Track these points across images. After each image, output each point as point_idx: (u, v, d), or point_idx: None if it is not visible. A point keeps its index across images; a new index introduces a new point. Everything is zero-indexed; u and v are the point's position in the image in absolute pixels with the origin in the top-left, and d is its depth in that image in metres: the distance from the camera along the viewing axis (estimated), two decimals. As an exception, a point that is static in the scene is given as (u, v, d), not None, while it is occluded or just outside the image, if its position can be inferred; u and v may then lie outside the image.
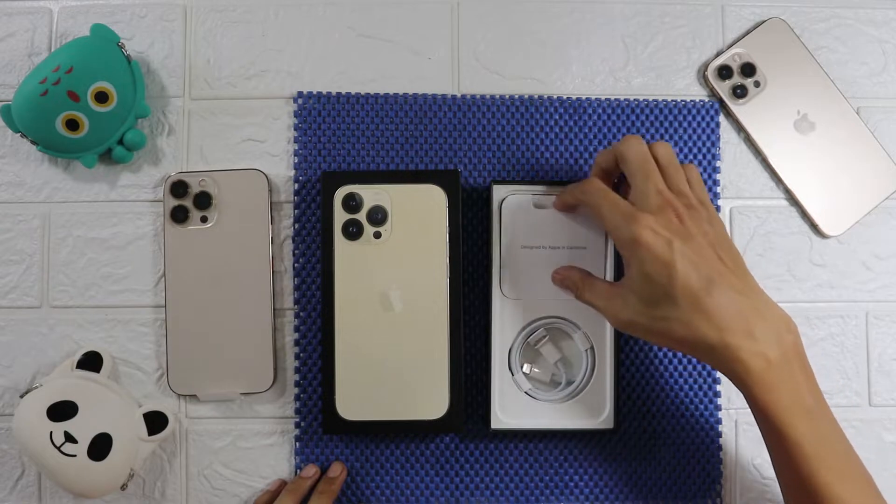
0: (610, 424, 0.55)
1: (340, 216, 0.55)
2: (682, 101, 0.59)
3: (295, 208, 0.58)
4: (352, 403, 0.54)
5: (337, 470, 0.56)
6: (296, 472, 0.57)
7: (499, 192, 0.55)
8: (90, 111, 0.54)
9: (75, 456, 0.52)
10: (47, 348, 0.57)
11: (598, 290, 0.50)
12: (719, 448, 0.57)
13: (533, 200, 0.54)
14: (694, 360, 0.57)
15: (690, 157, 0.59)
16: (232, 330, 0.56)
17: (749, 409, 0.46)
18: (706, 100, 0.59)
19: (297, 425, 0.57)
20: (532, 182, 0.57)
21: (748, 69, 0.59)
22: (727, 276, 0.45)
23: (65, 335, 0.57)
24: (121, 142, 0.56)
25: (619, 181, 0.53)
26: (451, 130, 0.58)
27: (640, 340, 0.57)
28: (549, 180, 0.58)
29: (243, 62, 0.59)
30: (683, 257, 0.44)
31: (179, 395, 0.57)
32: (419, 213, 0.54)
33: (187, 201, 0.56)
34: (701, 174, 0.59)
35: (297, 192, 0.58)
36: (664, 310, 0.45)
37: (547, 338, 0.55)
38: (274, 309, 0.57)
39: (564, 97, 0.59)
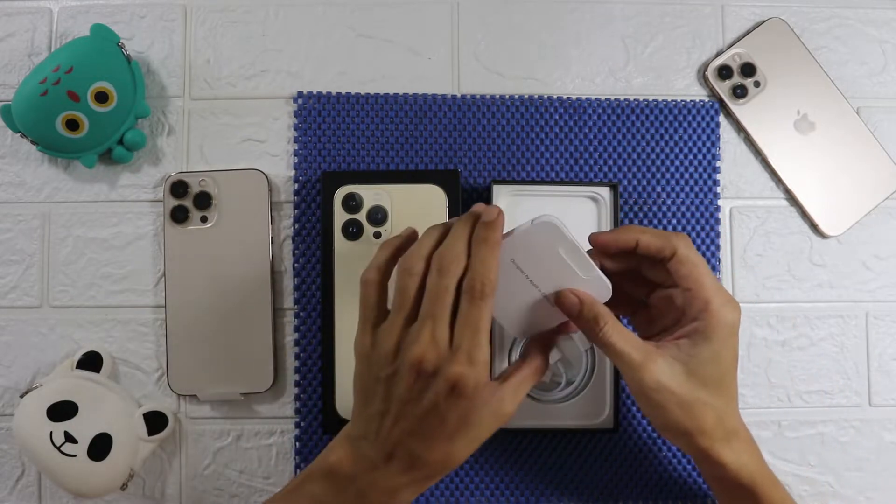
0: (610, 424, 0.55)
1: (340, 216, 0.55)
2: (682, 101, 0.59)
3: (295, 208, 0.58)
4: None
5: (493, 213, 0.42)
6: (295, 473, 0.57)
7: (499, 192, 0.55)
8: (90, 111, 0.54)
9: (75, 456, 0.52)
10: (47, 348, 0.57)
11: (632, 338, 0.44)
12: (719, 448, 0.57)
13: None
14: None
15: (690, 157, 0.59)
16: (232, 330, 0.56)
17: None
18: (706, 100, 0.59)
19: (297, 425, 0.57)
20: (532, 182, 0.57)
21: (748, 69, 0.59)
22: None
23: (65, 335, 0.57)
24: (121, 142, 0.56)
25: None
26: (451, 130, 0.58)
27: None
28: (549, 180, 0.58)
29: (243, 62, 0.59)
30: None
31: (179, 395, 0.57)
32: (419, 213, 0.54)
33: (187, 201, 0.56)
34: (701, 174, 0.59)
35: (297, 192, 0.58)
36: (707, 394, 0.44)
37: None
38: (274, 309, 0.57)
39: (564, 97, 0.59)
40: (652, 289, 0.48)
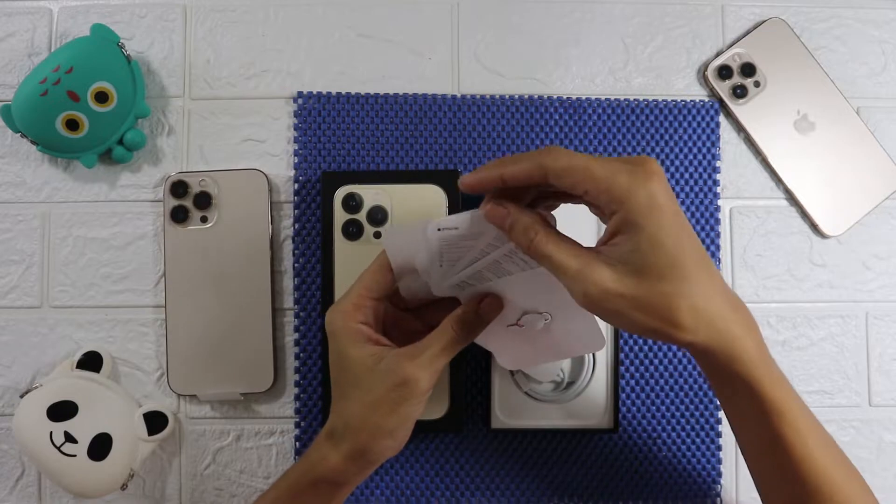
0: (610, 424, 0.55)
1: (340, 216, 0.55)
2: (682, 101, 0.59)
3: (295, 208, 0.58)
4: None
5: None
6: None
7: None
8: (90, 111, 0.54)
9: (75, 456, 0.52)
10: (47, 348, 0.57)
11: (569, 248, 0.39)
12: (719, 448, 0.57)
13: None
14: (693, 361, 0.57)
15: (690, 157, 0.59)
16: (232, 330, 0.56)
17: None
18: (706, 100, 0.59)
19: (297, 425, 0.57)
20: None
21: (748, 69, 0.59)
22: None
23: (65, 335, 0.57)
24: (121, 142, 0.56)
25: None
26: (451, 130, 0.58)
27: (640, 340, 0.57)
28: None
29: (243, 62, 0.59)
30: (689, 227, 0.40)
31: (179, 395, 0.57)
32: (419, 213, 0.54)
33: (187, 201, 0.56)
34: (701, 174, 0.59)
35: (297, 192, 0.58)
36: (667, 284, 0.38)
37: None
38: (274, 309, 0.57)
39: (564, 97, 0.59)
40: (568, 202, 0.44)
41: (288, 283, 0.57)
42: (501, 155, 0.58)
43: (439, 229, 0.43)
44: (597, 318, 0.43)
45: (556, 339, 0.47)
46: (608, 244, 0.39)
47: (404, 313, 0.49)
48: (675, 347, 0.57)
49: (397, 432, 0.44)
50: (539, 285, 0.44)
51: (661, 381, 0.57)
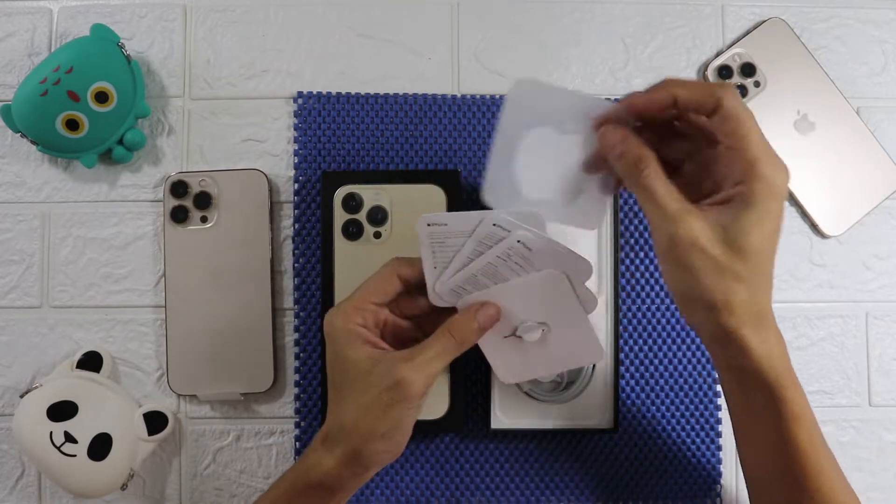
0: (610, 424, 0.55)
1: (340, 216, 0.55)
2: (682, 101, 0.59)
3: (295, 208, 0.58)
4: (352, 403, 0.54)
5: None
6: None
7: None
8: (90, 111, 0.54)
9: (75, 456, 0.52)
10: (47, 348, 0.57)
11: (673, 190, 0.40)
12: (719, 448, 0.57)
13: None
14: (694, 360, 0.57)
15: (690, 157, 0.59)
16: (232, 330, 0.56)
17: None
18: (706, 100, 0.59)
19: (297, 425, 0.57)
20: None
21: (748, 69, 0.59)
22: None
23: (65, 335, 0.57)
24: (121, 142, 0.56)
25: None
26: (451, 130, 0.58)
27: (640, 340, 0.57)
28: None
29: (243, 62, 0.59)
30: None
31: (179, 395, 0.57)
32: (419, 214, 0.54)
33: (187, 201, 0.56)
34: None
35: (297, 192, 0.58)
36: (743, 266, 0.39)
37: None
38: (274, 309, 0.57)
39: (564, 97, 0.59)
40: (689, 152, 0.43)
41: (288, 283, 0.57)
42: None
43: (429, 224, 0.44)
44: (595, 329, 0.44)
45: (553, 351, 0.47)
46: (711, 206, 0.40)
47: (405, 322, 0.48)
48: (675, 347, 0.57)
49: (391, 436, 0.44)
50: (536, 293, 0.45)
51: (661, 381, 0.57)
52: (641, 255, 0.58)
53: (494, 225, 0.43)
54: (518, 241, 0.43)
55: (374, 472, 0.46)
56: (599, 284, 0.55)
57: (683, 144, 0.43)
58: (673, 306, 0.58)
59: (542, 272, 0.44)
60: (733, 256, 0.38)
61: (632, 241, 0.58)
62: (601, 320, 0.55)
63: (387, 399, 0.43)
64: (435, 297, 0.46)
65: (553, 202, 0.45)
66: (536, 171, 0.45)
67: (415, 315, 0.48)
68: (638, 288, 0.58)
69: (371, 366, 0.43)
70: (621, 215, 0.57)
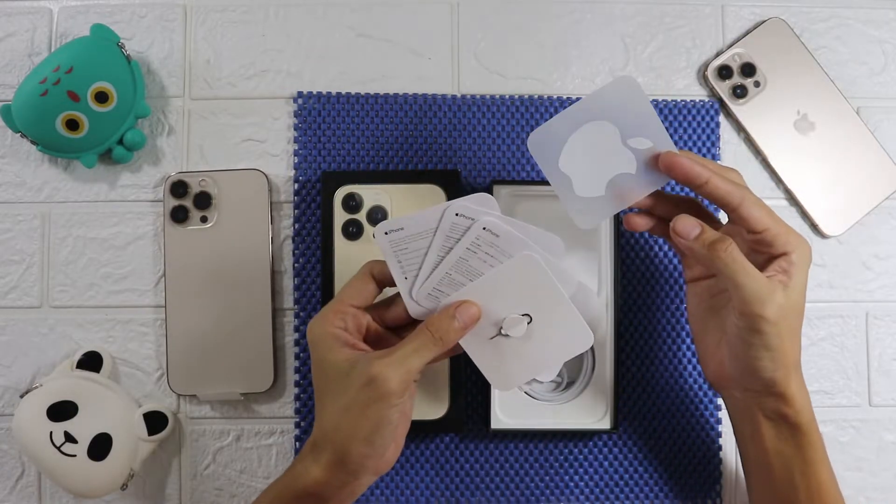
0: (610, 424, 0.55)
1: (340, 216, 0.55)
2: (682, 101, 0.59)
3: (295, 208, 0.58)
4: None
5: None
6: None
7: (499, 192, 0.55)
8: (90, 111, 0.54)
9: (75, 456, 0.52)
10: (47, 348, 0.57)
11: (749, 266, 0.44)
12: (719, 448, 0.57)
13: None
14: (694, 360, 0.57)
15: (690, 157, 0.59)
16: (232, 330, 0.56)
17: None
18: (706, 100, 0.59)
19: (297, 425, 0.57)
20: (532, 182, 0.57)
21: (748, 69, 0.59)
22: None
23: (65, 335, 0.57)
24: (121, 142, 0.56)
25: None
26: (451, 130, 0.58)
27: (640, 340, 0.57)
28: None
29: (243, 62, 0.59)
30: None
31: (179, 395, 0.57)
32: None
33: (187, 201, 0.56)
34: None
35: (297, 192, 0.58)
36: (797, 323, 0.45)
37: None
38: (274, 309, 0.57)
39: (564, 97, 0.59)
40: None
41: (288, 283, 0.57)
42: (501, 155, 0.58)
43: (386, 232, 0.43)
44: (580, 314, 0.44)
45: (542, 344, 0.46)
46: (771, 277, 0.44)
47: (388, 332, 0.47)
48: (675, 347, 0.57)
49: (373, 439, 0.42)
50: (513, 282, 0.44)
51: (661, 381, 0.57)
52: (642, 255, 0.58)
53: (457, 215, 0.43)
54: (484, 229, 0.43)
55: (365, 482, 0.45)
56: (600, 284, 0.55)
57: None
58: (673, 306, 0.58)
59: (514, 257, 0.43)
60: (797, 318, 0.45)
61: (632, 240, 0.58)
62: (601, 320, 0.55)
63: (363, 398, 0.42)
64: (413, 306, 0.45)
65: (572, 186, 0.47)
66: (581, 153, 0.46)
67: (399, 326, 0.47)
68: (639, 288, 0.58)
69: (349, 367, 0.43)
70: (621, 215, 0.57)
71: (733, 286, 0.44)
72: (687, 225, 0.45)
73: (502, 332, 0.45)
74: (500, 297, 0.45)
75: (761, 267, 0.44)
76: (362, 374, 0.42)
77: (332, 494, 0.44)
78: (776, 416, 0.46)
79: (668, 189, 0.56)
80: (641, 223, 0.48)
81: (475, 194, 0.43)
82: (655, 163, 0.46)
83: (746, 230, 0.45)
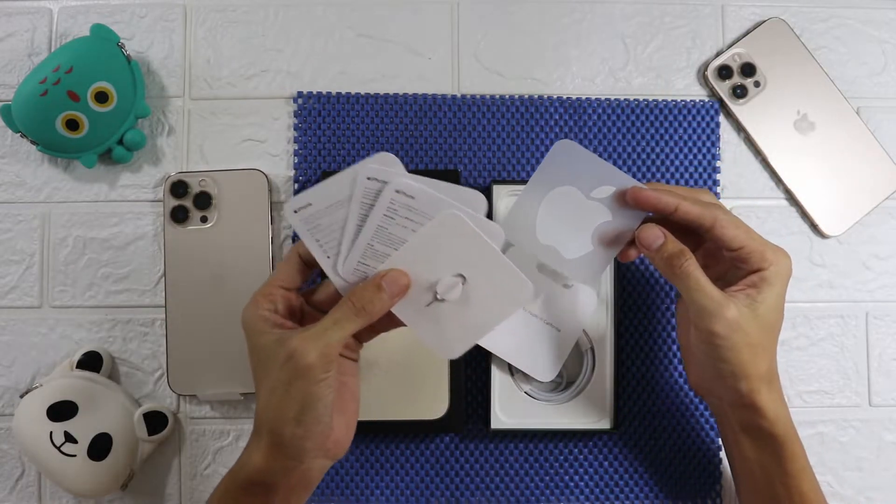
0: (610, 424, 0.55)
1: (340, 216, 0.54)
2: (682, 101, 0.59)
3: (295, 208, 0.57)
4: (352, 403, 0.54)
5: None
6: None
7: (499, 192, 0.55)
8: (90, 111, 0.54)
9: (75, 456, 0.52)
10: (47, 348, 0.57)
11: (704, 281, 0.45)
12: (719, 448, 0.57)
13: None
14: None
15: (690, 157, 0.59)
16: (232, 330, 0.56)
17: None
18: (706, 100, 0.59)
19: (297, 425, 0.57)
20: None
21: (748, 69, 0.59)
22: None
23: (65, 335, 0.57)
24: (121, 142, 0.56)
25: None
26: (451, 130, 0.58)
27: (640, 340, 0.57)
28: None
29: (243, 62, 0.59)
30: None
31: (179, 395, 0.57)
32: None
33: (187, 201, 0.56)
34: (701, 174, 0.59)
35: (297, 192, 0.58)
36: (767, 338, 0.46)
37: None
38: (274, 309, 0.57)
39: (564, 97, 0.59)
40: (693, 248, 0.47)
41: (288, 283, 0.57)
42: (501, 155, 0.58)
43: (295, 211, 0.42)
44: (516, 266, 0.43)
45: (481, 304, 0.43)
46: (738, 291, 0.45)
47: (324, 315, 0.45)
48: (674, 347, 0.57)
49: (302, 418, 0.40)
50: (439, 243, 0.42)
51: (661, 381, 0.57)
52: (641, 255, 0.58)
53: (369, 178, 0.41)
54: (397, 191, 0.41)
55: (314, 466, 0.43)
56: (599, 285, 0.55)
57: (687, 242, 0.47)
58: (673, 307, 0.58)
59: (437, 218, 0.42)
60: (762, 332, 0.45)
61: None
62: (601, 320, 0.55)
63: (285, 376, 0.40)
64: (342, 283, 0.43)
65: (561, 252, 0.48)
66: (554, 221, 0.48)
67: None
68: (638, 288, 0.58)
69: (276, 346, 0.41)
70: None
71: (688, 300, 0.45)
72: (650, 235, 0.46)
73: (438, 297, 0.43)
74: (430, 262, 0.43)
75: (737, 282, 0.46)
76: (282, 351, 0.40)
77: (279, 481, 0.42)
78: (750, 426, 0.47)
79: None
80: (632, 254, 0.48)
81: (377, 153, 0.41)
82: (625, 202, 0.47)
83: (724, 249, 0.46)
